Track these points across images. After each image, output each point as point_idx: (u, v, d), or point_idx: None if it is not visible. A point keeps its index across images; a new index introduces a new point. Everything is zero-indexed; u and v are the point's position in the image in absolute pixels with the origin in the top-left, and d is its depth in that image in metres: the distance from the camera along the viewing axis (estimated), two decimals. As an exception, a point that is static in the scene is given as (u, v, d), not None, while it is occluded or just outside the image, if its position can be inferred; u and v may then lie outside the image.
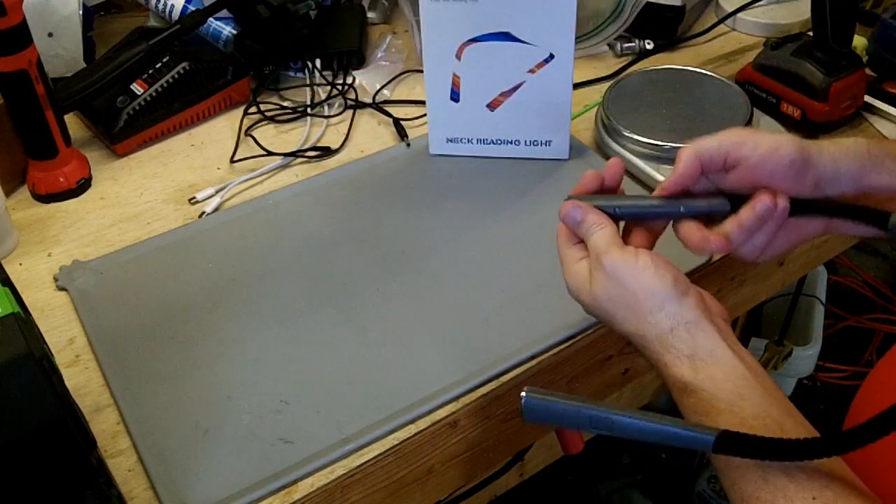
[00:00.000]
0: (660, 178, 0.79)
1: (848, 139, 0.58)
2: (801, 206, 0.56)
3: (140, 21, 1.06)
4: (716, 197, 0.57)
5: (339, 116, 0.94)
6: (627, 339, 0.55)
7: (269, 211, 0.81)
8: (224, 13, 0.94)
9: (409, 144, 0.89)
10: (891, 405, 0.42)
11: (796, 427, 0.48)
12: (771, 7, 1.08)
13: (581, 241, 0.58)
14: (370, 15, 1.10)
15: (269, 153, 0.88)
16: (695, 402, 0.50)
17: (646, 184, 0.81)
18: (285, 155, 0.88)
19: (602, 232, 0.56)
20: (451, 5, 0.77)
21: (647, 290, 0.53)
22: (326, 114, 0.94)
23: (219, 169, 0.87)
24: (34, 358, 0.44)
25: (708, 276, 0.75)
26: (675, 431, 0.48)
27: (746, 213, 0.55)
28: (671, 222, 0.59)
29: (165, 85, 0.89)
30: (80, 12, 0.95)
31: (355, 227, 0.78)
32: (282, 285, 0.72)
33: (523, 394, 0.51)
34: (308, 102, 0.95)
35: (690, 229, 0.57)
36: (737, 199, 0.56)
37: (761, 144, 0.55)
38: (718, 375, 0.50)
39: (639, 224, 0.59)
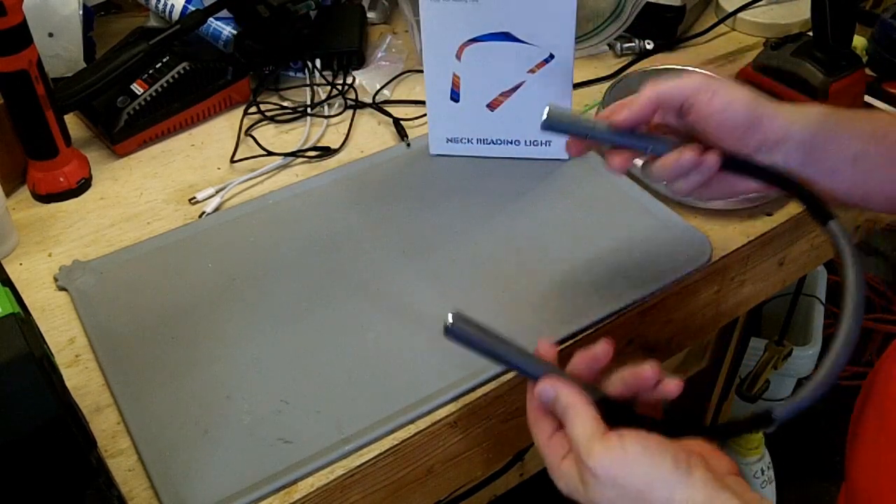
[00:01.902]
0: (660, 178, 0.79)
1: (811, 107, 0.58)
2: (735, 165, 0.58)
3: (140, 21, 1.06)
4: (680, 142, 0.59)
5: (339, 116, 0.94)
6: None
7: (269, 211, 0.81)
8: (224, 13, 0.94)
9: (409, 144, 0.89)
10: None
11: None
12: (771, 7, 1.08)
13: (558, 427, 0.52)
14: (370, 15, 1.10)
15: (269, 153, 0.88)
16: None
17: (646, 184, 0.81)
18: (285, 155, 0.88)
19: (580, 422, 0.49)
20: (451, 5, 0.77)
21: (649, 484, 0.47)
22: (326, 114, 0.94)
23: (219, 169, 0.87)
24: (34, 358, 0.44)
25: (708, 277, 0.75)
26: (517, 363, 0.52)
27: (670, 159, 0.58)
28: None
29: (165, 85, 0.89)
30: (80, 12, 0.95)
31: (355, 227, 0.78)
32: (282, 285, 0.72)
33: (450, 317, 0.51)
34: (308, 102, 0.95)
35: (664, 162, 0.59)
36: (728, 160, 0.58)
37: (716, 98, 0.56)
38: None
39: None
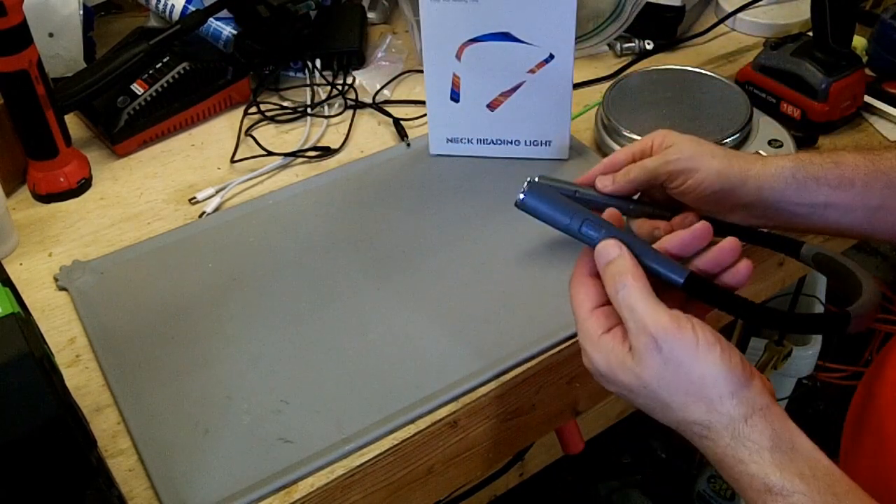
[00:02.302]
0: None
1: (780, 162, 0.62)
2: (716, 227, 0.60)
3: (140, 21, 1.06)
4: (658, 206, 0.66)
5: (339, 116, 0.94)
6: (675, 426, 0.49)
7: (269, 211, 0.81)
8: (224, 13, 0.94)
9: (409, 144, 0.89)
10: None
11: None
12: (771, 7, 1.08)
13: (602, 302, 0.51)
14: (370, 15, 1.10)
15: (270, 153, 0.88)
16: None
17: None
18: (285, 155, 0.88)
19: (640, 292, 0.48)
20: (451, 5, 0.77)
21: (715, 375, 0.46)
22: (326, 114, 0.94)
23: (219, 169, 0.87)
24: (34, 358, 0.44)
25: (708, 276, 0.75)
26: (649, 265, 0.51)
27: (685, 235, 0.56)
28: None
29: (165, 85, 0.89)
30: (80, 12, 0.95)
31: (355, 227, 0.78)
32: (282, 285, 0.72)
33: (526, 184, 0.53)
34: (308, 102, 0.95)
35: (640, 225, 0.65)
36: (674, 209, 0.65)
37: (690, 180, 0.62)
38: (807, 472, 0.43)
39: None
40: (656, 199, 0.66)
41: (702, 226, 0.54)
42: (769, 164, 0.62)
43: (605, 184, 0.64)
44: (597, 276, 0.52)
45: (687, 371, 0.46)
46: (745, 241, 0.63)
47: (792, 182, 0.61)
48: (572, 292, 0.53)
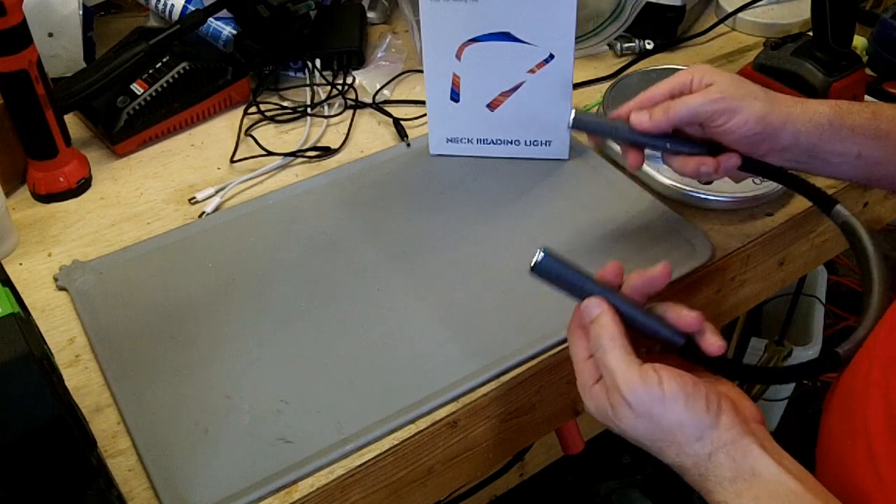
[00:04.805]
0: (660, 178, 0.79)
1: (818, 108, 0.62)
2: (752, 167, 0.65)
3: (140, 21, 1.06)
4: (696, 144, 0.65)
5: (339, 116, 0.94)
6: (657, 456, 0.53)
7: (269, 211, 0.81)
8: (224, 13, 0.94)
9: (409, 144, 0.89)
10: None
11: None
12: (771, 7, 1.08)
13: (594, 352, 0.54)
14: (370, 15, 1.10)
15: (269, 153, 0.88)
16: None
17: (646, 184, 0.81)
18: (285, 155, 0.88)
19: (615, 353, 0.51)
20: (451, 5, 0.77)
21: (680, 423, 0.49)
22: (326, 114, 0.94)
23: (219, 169, 0.87)
24: (34, 358, 0.43)
25: (708, 276, 0.75)
26: (650, 323, 0.54)
27: (691, 165, 0.64)
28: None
29: (165, 85, 0.89)
30: (80, 12, 0.95)
31: (355, 227, 0.78)
32: (282, 285, 0.72)
33: (541, 252, 0.54)
34: (308, 102, 0.95)
35: (684, 162, 0.65)
36: (710, 147, 0.65)
37: (731, 121, 0.62)
38: (763, 496, 0.47)
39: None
40: (691, 137, 0.65)
41: (662, 267, 0.55)
42: (808, 109, 0.62)
43: (641, 119, 0.63)
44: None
45: (658, 421, 0.50)
46: (784, 185, 0.65)
47: (828, 129, 0.61)
48: (569, 341, 0.56)
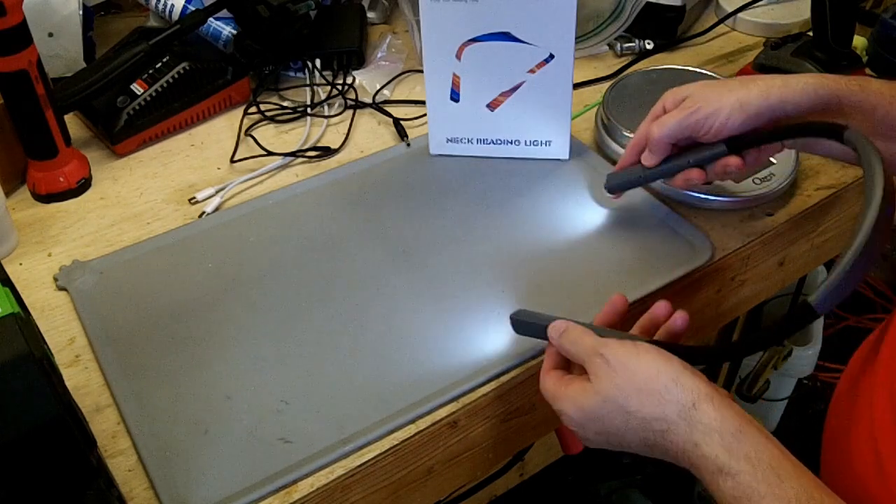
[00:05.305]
0: (660, 178, 0.80)
1: (803, 76, 0.63)
2: (745, 143, 0.66)
3: (140, 21, 1.06)
4: (715, 145, 0.67)
5: (339, 116, 0.94)
6: (644, 441, 0.52)
7: (269, 211, 0.81)
8: (224, 13, 0.94)
9: (409, 144, 0.89)
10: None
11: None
12: (771, 7, 1.08)
13: (561, 370, 0.58)
14: (370, 15, 1.10)
15: (269, 153, 0.88)
16: (733, 487, 0.47)
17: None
18: (285, 155, 0.88)
19: (582, 328, 0.56)
20: (451, 5, 0.77)
21: (657, 368, 0.51)
22: (326, 114, 0.94)
23: (219, 169, 0.87)
24: (34, 358, 0.43)
25: (708, 276, 0.75)
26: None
27: (717, 170, 0.67)
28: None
29: (165, 85, 0.89)
30: (80, 12, 0.95)
31: (355, 227, 0.78)
32: (282, 285, 0.72)
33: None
34: (308, 102, 0.95)
35: (718, 166, 0.67)
36: (728, 142, 0.66)
37: (717, 122, 0.64)
38: (752, 454, 0.47)
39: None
40: (704, 142, 0.67)
41: (618, 300, 0.60)
42: (791, 82, 0.63)
43: (646, 157, 0.69)
44: (557, 368, 0.58)
45: (633, 371, 0.51)
46: (789, 136, 0.64)
47: (814, 97, 0.62)
48: (542, 382, 0.58)
